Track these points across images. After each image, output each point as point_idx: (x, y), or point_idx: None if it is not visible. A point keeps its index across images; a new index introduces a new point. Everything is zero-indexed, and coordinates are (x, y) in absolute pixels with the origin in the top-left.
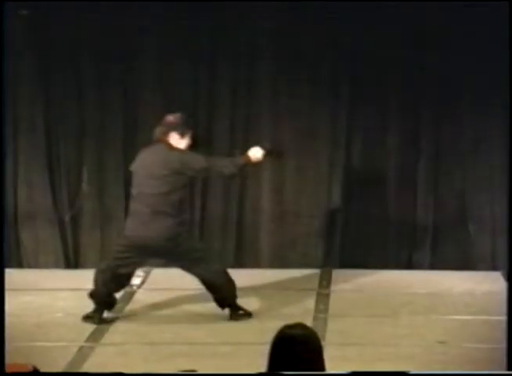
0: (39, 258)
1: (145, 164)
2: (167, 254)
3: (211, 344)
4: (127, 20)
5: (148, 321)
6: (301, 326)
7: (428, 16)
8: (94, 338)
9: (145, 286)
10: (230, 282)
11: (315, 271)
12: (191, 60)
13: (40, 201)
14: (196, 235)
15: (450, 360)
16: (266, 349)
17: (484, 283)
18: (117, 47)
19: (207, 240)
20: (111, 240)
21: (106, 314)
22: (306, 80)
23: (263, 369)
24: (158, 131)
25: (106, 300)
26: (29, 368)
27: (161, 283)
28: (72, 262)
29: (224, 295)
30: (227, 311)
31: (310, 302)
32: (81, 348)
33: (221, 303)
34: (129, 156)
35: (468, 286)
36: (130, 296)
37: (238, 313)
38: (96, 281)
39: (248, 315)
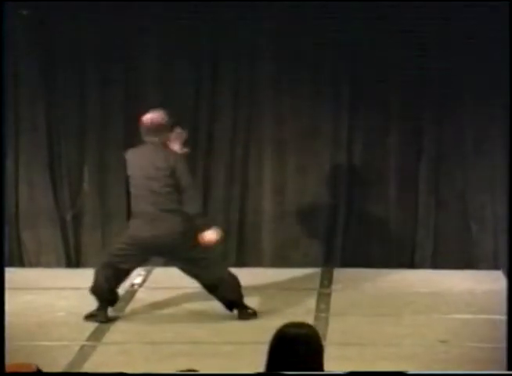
0: (40, 257)
1: (143, 164)
2: (173, 252)
3: (213, 343)
4: (127, 20)
5: (149, 320)
6: (300, 324)
7: (428, 16)
8: (95, 337)
9: (146, 285)
10: (233, 283)
11: (317, 270)
12: (192, 60)
13: (41, 201)
14: None
15: (452, 359)
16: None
17: (486, 283)
18: (117, 47)
19: None
20: (112, 239)
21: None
22: (307, 80)
23: (263, 368)
24: (149, 131)
25: (109, 296)
26: (33, 368)
27: (162, 282)
28: (73, 261)
29: (228, 298)
30: (231, 311)
31: (311, 302)
32: (82, 348)
33: (228, 306)
34: None
35: (470, 285)
36: (131, 295)
37: (246, 312)
38: (97, 278)
39: (254, 314)
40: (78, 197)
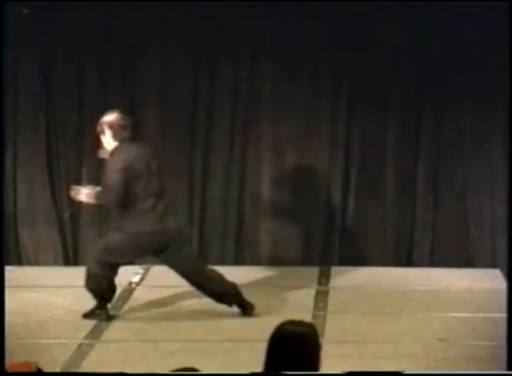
0: (39, 255)
1: (143, 161)
2: (172, 247)
3: (211, 341)
4: (127, 20)
5: (147, 318)
6: (299, 322)
7: (428, 16)
8: (93, 335)
9: (144, 283)
10: (218, 279)
11: (314, 268)
12: (191, 60)
13: (39, 199)
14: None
15: (450, 358)
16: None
17: (484, 281)
18: (117, 47)
19: (207, 238)
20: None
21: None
22: (305, 80)
23: (262, 366)
24: (127, 131)
25: (108, 293)
26: (33, 367)
27: (161, 281)
28: (71, 259)
29: (219, 291)
30: (227, 308)
31: (309, 300)
32: (80, 346)
33: (224, 301)
34: None
35: (468, 283)
36: (129, 293)
37: (245, 309)
38: (94, 275)
39: (252, 308)
40: None
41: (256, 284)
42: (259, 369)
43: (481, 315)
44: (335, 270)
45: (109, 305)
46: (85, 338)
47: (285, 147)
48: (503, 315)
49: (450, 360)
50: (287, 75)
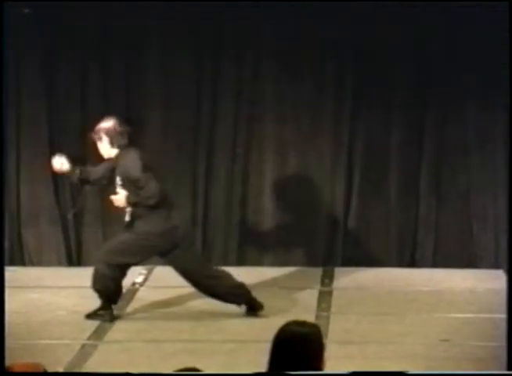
0: (42, 256)
1: (145, 163)
2: (180, 247)
3: (214, 341)
4: (129, 20)
5: (151, 319)
6: (303, 323)
7: (428, 16)
8: (97, 335)
9: (147, 283)
10: (225, 279)
11: (318, 269)
12: (193, 60)
13: (42, 199)
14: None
15: (453, 358)
16: (269, 347)
17: (487, 281)
18: (119, 46)
19: (210, 239)
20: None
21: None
22: (309, 79)
23: (266, 366)
24: (124, 138)
25: (115, 295)
26: (40, 369)
27: (164, 281)
28: (74, 259)
29: (226, 292)
30: (230, 308)
31: (312, 300)
32: (83, 346)
33: (233, 301)
34: None
35: (471, 284)
36: (133, 294)
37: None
38: (102, 276)
39: (261, 307)
40: (79, 195)
41: (259, 285)
42: (262, 369)
43: (483, 315)
44: (338, 271)
45: (113, 306)
46: (88, 338)
47: (288, 148)
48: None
49: (452, 360)
50: (290, 76)
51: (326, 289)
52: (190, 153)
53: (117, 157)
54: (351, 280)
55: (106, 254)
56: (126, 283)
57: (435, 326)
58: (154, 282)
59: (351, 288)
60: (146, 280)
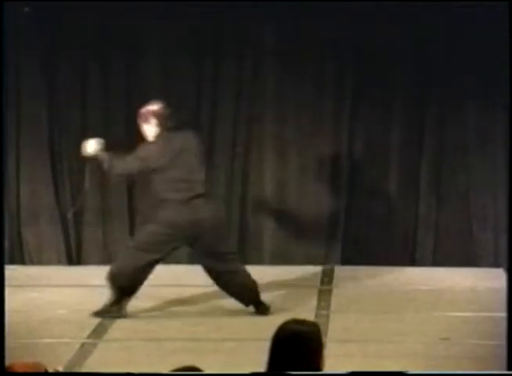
0: (42, 254)
1: (175, 150)
2: (205, 237)
3: (214, 340)
4: (129, 20)
5: (150, 317)
6: (302, 321)
7: (428, 16)
8: (97, 334)
9: (148, 282)
10: (252, 281)
11: (318, 268)
12: (193, 59)
13: (42, 198)
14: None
15: (453, 357)
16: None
17: (487, 280)
18: (119, 46)
19: None
20: (113, 237)
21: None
22: (309, 78)
23: (265, 365)
24: (170, 120)
25: (131, 290)
26: (41, 369)
27: (164, 280)
28: (74, 258)
29: (240, 291)
30: (230, 307)
31: (312, 299)
32: (83, 345)
33: (244, 301)
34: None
35: (471, 283)
36: None
37: (262, 308)
38: (123, 269)
39: (267, 309)
40: (79, 194)
41: (259, 284)
42: (262, 368)
43: (483, 314)
44: (338, 269)
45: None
46: (88, 337)
47: (288, 147)
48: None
49: (452, 359)
50: (290, 76)
51: (325, 288)
52: None
53: (167, 138)
54: (350, 278)
55: (132, 250)
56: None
57: (435, 324)
58: (155, 280)
59: (350, 287)
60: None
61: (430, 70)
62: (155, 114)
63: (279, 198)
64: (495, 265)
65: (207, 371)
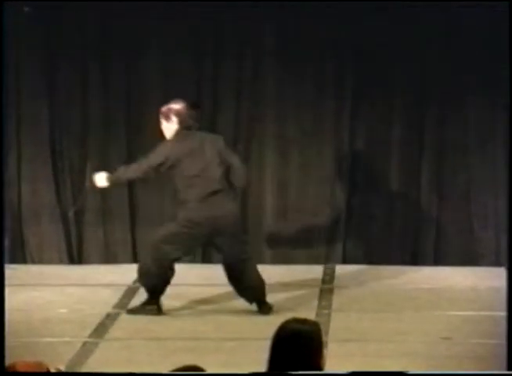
0: (43, 253)
1: (195, 149)
2: (224, 234)
3: (215, 339)
4: (129, 20)
5: (152, 316)
6: (303, 320)
7: (428, 16)
8: (98, 333)
9: None
10: (261, 279)
11: (319, 267)
12: (193, 59)
13: (43, 197)
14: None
15: (454, 356)
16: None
17: (488, 279)
18: (119, 45)
19: None
20: (114, 236)
21: (111, 309)
22: (310, 78)
23: (266, 364)
24: (192, 120)
25: (162, 288)
26: (43, 368)
27: None
28: (75, 257)
29: (246, 286)
30: (231, 306)
31: (313, 298)
32: (85, 344)
33: (249, 298)
34: (133, 152)
35: (472, 282)
36: (134, 292)
37: (265, 307)
38: (149, 271)
39: (270, 309)
40: (80, 193)
41: None
42: (263, 367)
43: (484, 313)
44: (339, 269)
45: (111, 306)
46: (90, 336)
47: (289, 146)
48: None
49: (453, 359)
50: (290, 75)
51: (327, 287)
52: None
53: (185, 135)
54: (352, 277)
55: (154, 249)
56: (127, 281)
57: (436, 324)
58: None
59: (352, 286)
60: None
61: (430, 69)
62: (177, 113)
63: (280, 197)
64: (497, 264)
65: (208, 371)
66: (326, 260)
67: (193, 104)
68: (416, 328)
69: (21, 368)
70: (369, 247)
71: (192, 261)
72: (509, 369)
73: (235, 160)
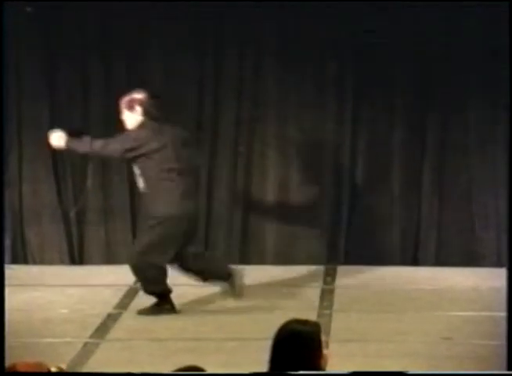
0: (44, 254)
1: (171, 141)
2: (195, 233)
3: (216, 339)
4: (130, 19)
5: (153, 317)
6: (304, 321)
7: (430, 16)
8: (99, 333)
9: None
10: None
11: (320, 267)
12: (195, 59)
13: (45, 197)
14: None
15: (455, 357)
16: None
17: (489, 280)
18: (120, 46)
19: (213, 238)
20: (116, 236)
21: (112, 310)
22: (311, 79)
23: (267, 364)
24: (156, 110)
25: (166, 288)
26: (44, 368)
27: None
28: (77, 258)
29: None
30: (233, 306)
31: (315, 298)
32: (86, 344)
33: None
34: None
35: (473, 282)
36: (135, 292)
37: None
38: (152, 278)
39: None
40: (82, 194)
41: (262, 283)
42: (264, 367)
43: (486, 314)
44: (341, 269)
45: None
46: (91, 336)
47: (290, 146)
48: (505, 314)
49: (454, 359)
50: (291, 75)
51: (328, 287)
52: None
53: (142, 127)
54: (353, 278)
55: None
56: (128, 281)
57: (437, 324)
58: None
59: (353, 286)
60: None
61: (430, 70)
62: (140, 103)
63: (281, 198)
64: (498, 264)
65: (208, 371)
66: (328, 260)
67: (154, 94)
68: (416, 328)
69: (22, 368)
70: (371, 247)
71: None
72: (509, 369)
73: (193, 154)
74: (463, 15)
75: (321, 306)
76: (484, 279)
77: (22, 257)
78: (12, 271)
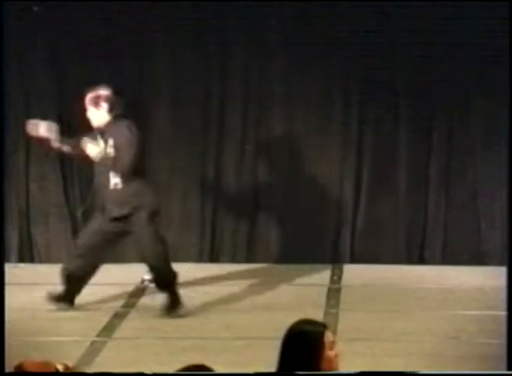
0: (51, 253)
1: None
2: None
3: (223, 338)
4: (137, 19)
5: (160, 316)
6: (314, 322)
7: (434, 16)
8: (106, 332)
9: None
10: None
11: (327, 266)
12: (202, 58)
13: (52, 197)
14: None
15: (461, 356)
16: (278, 344)
17: (495, 279)
18: (127, 46)
19: (219, 237)
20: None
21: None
22: (318, 76)
23: (274, 364)
24: (121, 107)
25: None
26: (52, 368)
27: None
28: None
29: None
30: (241, 305)
31: (321, 297)
32: (93, 343)
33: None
34: (141, 151)
35: (479, 281)
36: (142, 291)
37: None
38: (164, 278)
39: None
40: (88, 193)
41: (268, 282)
42: (271, 366)
43: (492, 313)
44: (347, 268)
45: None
46: (98, 335)
47: (297, 146)
48: (505, 313)
49: (461, 358)
50: (298, 73)
51: (334, 286)
52: (199, 152)
53: (110, 124)
54: (359, 277)
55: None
56: (135, 280)
57: (444, 323)
58: None
59: (359, 285)
60: None
61: (441, 68)
62: (107, 99)
63: (287, 196)
64: (504, 263)
65: (216, 370)
66: (334, 259)
67: (117, 91)
68: (423, 327)
69: (29, 368)
70: (377, 246)
71: (200, 260)
72: (509, 369)
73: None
74: (463, 15)
75: (327, 305)
76: (491, 278)
77: (29, 256)
78: (19, 270)
